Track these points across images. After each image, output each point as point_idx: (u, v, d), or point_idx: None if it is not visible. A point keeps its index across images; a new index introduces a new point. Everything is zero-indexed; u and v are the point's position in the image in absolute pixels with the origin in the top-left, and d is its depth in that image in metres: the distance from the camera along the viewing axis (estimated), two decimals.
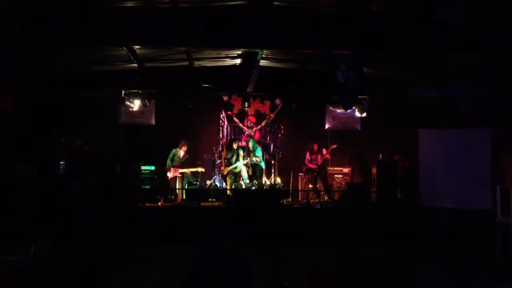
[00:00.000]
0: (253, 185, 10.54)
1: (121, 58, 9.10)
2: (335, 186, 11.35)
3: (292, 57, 9.74)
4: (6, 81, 9.29)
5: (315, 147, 10.75)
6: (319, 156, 10.64)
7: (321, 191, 10.95)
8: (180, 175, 10.48)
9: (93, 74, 10.10)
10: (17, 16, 6.62)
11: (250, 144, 11.01)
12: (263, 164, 10.95)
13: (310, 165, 10.72)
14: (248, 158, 10.76)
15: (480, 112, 10.24)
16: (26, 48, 8.04)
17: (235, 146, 10.81)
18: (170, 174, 10.40)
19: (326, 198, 10.79)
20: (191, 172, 10.61)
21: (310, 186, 10.93)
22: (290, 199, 10.86)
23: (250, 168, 10.82)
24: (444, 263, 4.65)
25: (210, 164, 11.65)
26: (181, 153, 10.51)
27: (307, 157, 10.79)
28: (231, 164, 10.67)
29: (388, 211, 9.40)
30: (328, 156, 10.79)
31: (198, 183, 10.88)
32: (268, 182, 11.00)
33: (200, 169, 10.62)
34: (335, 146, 10.79)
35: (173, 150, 10.54)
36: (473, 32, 7.02)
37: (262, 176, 10.95)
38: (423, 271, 4.31)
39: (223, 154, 11.01)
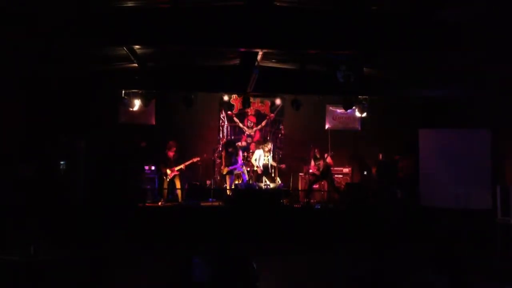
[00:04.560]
0: (253, 185, 10.54)
1: (121, 58, 9.09)
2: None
3: (292, 57, 9.73)
4: (6, 81, 9.29)
5: (317, 153, 10.69)
6: (321, 162, 10.59)
7: (324, 191, 10.96)
8: (178, 172, 10.46)
9: (93, 74, 10.10)
10: (17, 16, 6.62)
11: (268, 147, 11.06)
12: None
13: (314, 171, 10.68)
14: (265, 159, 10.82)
15: (480, 112, 10.24)
16: (26, 48, 8.04)
17: (233, 146, 10.83)
18: (168, 174, 10.38)
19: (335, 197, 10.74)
20: (186, 166, 10.57)
21: (315, 186, 10.92)
22: (290, 199, 10.85)
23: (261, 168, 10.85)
24: (443, 263, 4.65)
25: (210, 164, 11.66)
26: (171, 154, 10.45)
27: (312, 164, 10.74)
28: (231, 164, 10.67)
29: (388, 211, 9.39)
30: (330, 161, 10.76)
31: (199, 182, 10.88)
32: (268, 182, 10.99)
33: (195, 159, 10.62)
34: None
35: (163, 153, 10.45)
36: (473, 32, 7.02)
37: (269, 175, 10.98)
38: (422, 271, 4.31)
39: (223, 154, 11.01)
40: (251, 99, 11.99)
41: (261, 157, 10.88)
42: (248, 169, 11.10)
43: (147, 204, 9.80)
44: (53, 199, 8.96)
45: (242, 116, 12.37)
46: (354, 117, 11.90)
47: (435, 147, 10.19)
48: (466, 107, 10.51)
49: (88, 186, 9.58)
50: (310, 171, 10.87)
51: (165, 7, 7.00)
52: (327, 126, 12.08)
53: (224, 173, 10.78)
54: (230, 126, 12.34)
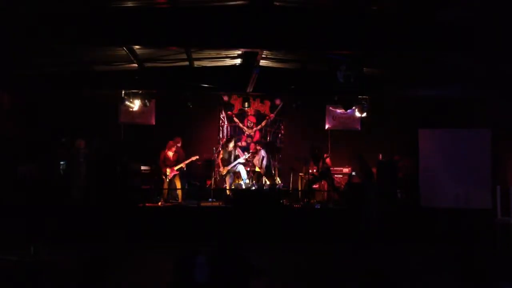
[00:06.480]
0: (253, 185, 10.54)
1: (121, 58, 9.10)
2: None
3: (292, 57, 9.74)
4: (6, 81, 9.30)
5: (317, 153, 10.69)
6: (320, 163, 10.60)
7: (324, 191, 10.96)
8: (178, 172, 10.46)
9: (93, 74, 10.11)
10: (18, 15, 6.62)
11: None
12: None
13: (313, 172, 10.70)
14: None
15: (480, 112, 10.24)
16: (26, 48, 8.04)
17: (231, 145, 10.81)
18: (168, 173, 10.37)
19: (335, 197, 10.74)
20: (186, 164, 10.57)
21: (315, 186, 10.92)
22: (289, 199, 10.83)
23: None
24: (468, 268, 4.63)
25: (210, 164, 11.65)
26: (170, 154, 10.45)
27: (311, 164, 10.76)
28: (229, 164, 10.67)
29: (388, 211, 9.38)
30: (329, 162, 10.77)
31: (198, 183, 10.87)
32: (268, 182, 10.98)
33: (194, 158, 10.61)
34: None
35: (162, 154, 10.39)
36: (473, 32, 7.02)
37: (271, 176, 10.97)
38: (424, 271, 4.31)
39: (221, 155, 10.99)
40: (251, 99, 12.01)
41: (265, 159, 10.84)
42: (248, 169, 11.09)
43: (147, 204, 9.79)
44: (53, 199, 8.96)
45: (242, 116, 12.37)
46: (354, 117, 11.90)
47: (435, 147, 10.17)
48: (466, 107, 10.50)
49: (88, 186, 9.57)
50: (310, 171, 10.87)
51: (165, 7, 7.01)
52: (327, 126, 12.07)
53: (224, 173, 10.77)
54: (230, 126, 12.34)
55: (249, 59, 9.18)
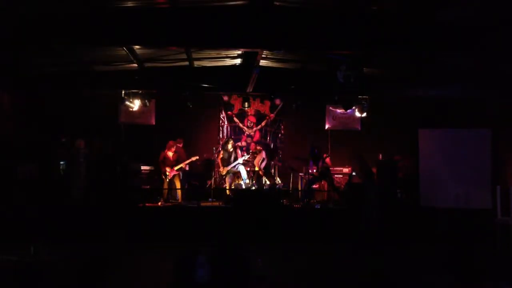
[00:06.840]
0: (253, 185, 10.54)
1: (121, 58, 9.10)
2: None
3: (292, 57, 9.74)
4: (6, 81, 9.30)
5: (316, 153, 10.69)
6: (320, 163, 10.60)
7: (324, 191, 10.96)
8: (177, 172, 10.46)
9: (93, 74, 10.11)
10: (18, 15, 6.62)
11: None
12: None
13: (313, 172, 10.71)
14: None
15: (480, 112, 10.24)
16: (26, 48, 8.04)
17: (230, 146, 10.81)
18: (168, 174, 10.37)
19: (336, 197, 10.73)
20: (186, 164, 10.58)
21: (315, 186, 10.92)
22: (289, 199, 10.83)
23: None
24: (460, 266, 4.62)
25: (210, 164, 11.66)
26: (170, 154, 10.46)
27: (310, 164, 10.76)
28: (229, 164, 10.67)
29: (388, 211, 9.38)
30: (328, 162, 10.78)
31: (198, 183, 10.88)
32: (268, 182, 10.98)
33: (194, 158, 10.65)
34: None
35: (162, 154, 10.41)
36: (473, 32, 7.02)
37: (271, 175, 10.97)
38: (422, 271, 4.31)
39: (220, 155, 10.99)
40: (251, 99, 12.01)
41: (265, 160, 10.85)
42: (248, 169, 11.09)
43: (147, 204, 9.79)
44: (53, 199, 8.96)
45: (242, 116, 12.37)
46: (354, 117, 11.91)
47: (435, 147, 10.16)
48: (466, 107, 10.51)
49: (88, 186, 9.57)
50: (310, 171, 10.87)
51: (165, 7, 7.01)
52: (327, 126, 12.08)
53: (223, 173, 10.78)
54: (230, 126, 12.34)
55: (249, 59, 9.19)
